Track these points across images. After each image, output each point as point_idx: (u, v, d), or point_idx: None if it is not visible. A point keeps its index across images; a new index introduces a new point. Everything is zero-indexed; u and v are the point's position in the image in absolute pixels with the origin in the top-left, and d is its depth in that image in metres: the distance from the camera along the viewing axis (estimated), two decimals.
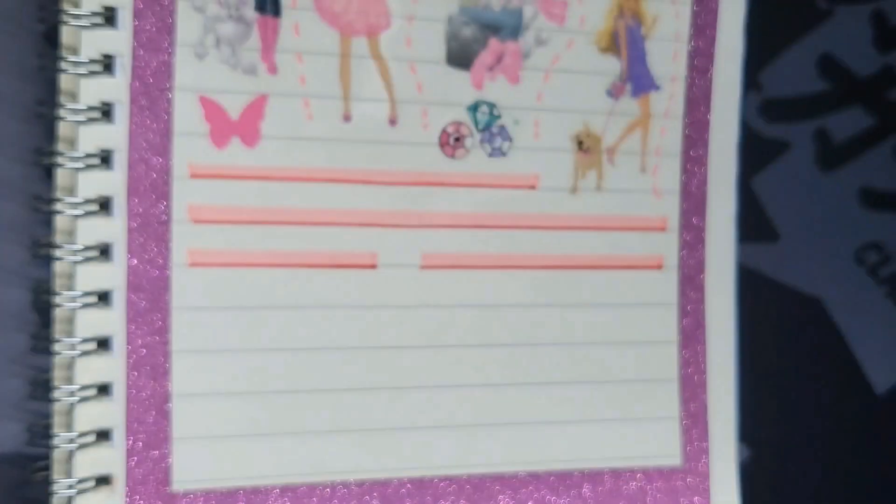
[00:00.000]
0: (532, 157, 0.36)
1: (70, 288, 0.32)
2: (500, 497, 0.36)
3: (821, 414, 0.43)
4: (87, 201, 0.32)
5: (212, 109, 0.33)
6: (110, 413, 0.33)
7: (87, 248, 0.32)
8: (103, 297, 0.33)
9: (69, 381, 0.32)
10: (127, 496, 0.33)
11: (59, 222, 0.32)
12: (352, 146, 0.34)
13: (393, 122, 0.35)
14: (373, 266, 0.35)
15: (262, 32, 0.33)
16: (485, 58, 0.36)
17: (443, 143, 0.36)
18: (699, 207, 0.39)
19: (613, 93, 0.37)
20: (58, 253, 0.32)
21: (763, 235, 0.42)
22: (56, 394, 0.32)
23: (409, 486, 0.36)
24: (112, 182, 0.32)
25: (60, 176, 0.32)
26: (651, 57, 0.38)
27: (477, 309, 0.36)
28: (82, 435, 0.32)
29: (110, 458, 0.33)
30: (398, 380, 0.35)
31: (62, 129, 0.32)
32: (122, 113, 0.32)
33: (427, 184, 0.35)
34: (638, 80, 0.37)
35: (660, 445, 0.38)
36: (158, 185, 0.33)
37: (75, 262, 0.32)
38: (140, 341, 0.33)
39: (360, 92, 0.34)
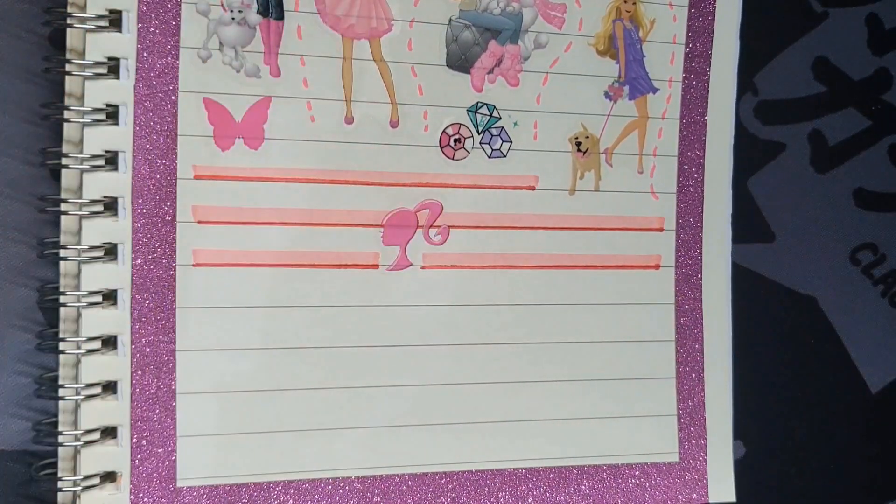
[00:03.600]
0: (531, 158, 0.37)
1: (76, 287, 0.33)
2: (500, 493, 0.37)
3: (816, 412, 0.43)
4: (93, 202, 0.32)
5: (216, 112, 0.33)
6: (116, 411, 0.33)
7: (92, 248, 0.32)
8: (109, 297, 0.33)
9: (75, 379, 0.33)
10: (132, 493, 0.33)
11: (66, 223, 0.33)
12: (353, 148, 0.35)
13: (394, 124, 0.35)
14: (374, 266, 0.35)
15: (265, 36, 0.34)
16: (485, 61, 0.36)
17: (443, 145, 0.36)
18: (696, 208, 0.39)
19: (611, 95, 0.37)
20: (64, 253, 0.32)
21: (759, 236, 0.42)
22: (62, 392, 0.33)
23: (409, 481, 0.36)
24: (117, 183, 0.33)
25: (66, 177, 0.33)
26: (648, 60, 0.38)
27: (476, 308, 0.36)
28: (88, 432, 0.33)
29: (116, 455, 0.33)
30: (399, 378, 0.36)
31: (68, 130, 0.33)
32: (127, 115, 0.33)
33: (428, 185, 0.36)
34: (635, 82, 0.38)
35: (657, 442, 0.38)
36: (163, 187, 0.33)
37: (81, 262, 0.32)
38: (145, 340, 0.33)
39: (362, 94, 0.35)
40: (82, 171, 0.32)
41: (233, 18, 0.33)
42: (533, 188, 0.37)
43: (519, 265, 0.37)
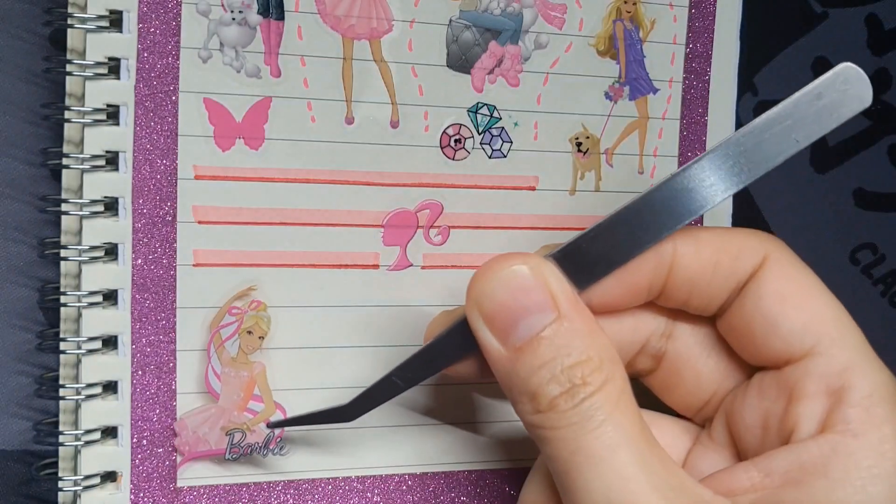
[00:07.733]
0: (531, 158, 0.37)
1: (77, 287, 0.33)
2: (500, 493, 0.37)
3: None
4: (94, 202, 0.32)
5: (216, 112, 0.33)
6: (116, 410, 0.33)
7: (93, 249, 0.32)
8: (109, 297, 0.33)
9: (76, 379, 0.33)
10: (132, 492, 0.33)
11: (66, 223, 0.33)
12: (354, 148, 0.35)
13: (394, 124, 0.35)
14: (375, 266, 0.35)
15: (265, 36, 0.34)
16: (485, 61, 0.36)
17: (444, 146, 0.36)
18: None
19: (612, 95, 0.37)
20: (64, 253, 0.32)
21: None
22: (62, 392, 0.33)
23: (409, 481, 0.36)
24: (118, 183, 0.33)
25: (67, 177, 0.33)
26: (649, 60, 0.38)
27: None
28: (88, 432, 0.33)
29: (116, 455, 0.33)
30: None
31: (69, 130, 0.33)
32: (127, 115, 0.33)
33: (428, 185, 0.36)
34: (636, 82, 0.38)
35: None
36: (164, 187, 0.33)
37: (82, 262, 0.32)
38: (145, 340, 0.33)
39: (363, 95, 0.35)
40: (83, 171, 0.32)
41: (233, 19, 0.33)
42: (533, 188, 0.37)
43: None
